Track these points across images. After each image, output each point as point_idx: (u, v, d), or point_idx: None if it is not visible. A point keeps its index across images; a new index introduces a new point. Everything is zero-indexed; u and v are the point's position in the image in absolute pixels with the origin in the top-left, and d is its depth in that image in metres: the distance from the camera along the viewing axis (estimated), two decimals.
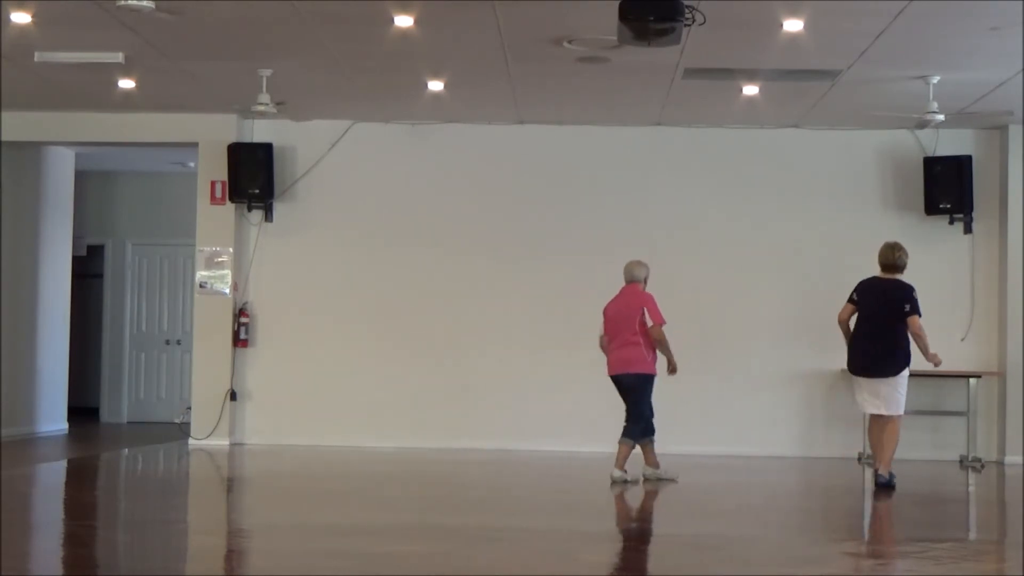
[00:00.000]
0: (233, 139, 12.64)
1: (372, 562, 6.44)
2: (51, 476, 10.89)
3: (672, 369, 10.06)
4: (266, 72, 10.79)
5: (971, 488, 10.89)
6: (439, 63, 10.56)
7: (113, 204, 16.36)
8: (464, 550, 6.85)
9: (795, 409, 12.56)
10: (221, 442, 12.57)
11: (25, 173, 13.79)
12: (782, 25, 9.18)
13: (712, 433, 12.50)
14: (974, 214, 12.45)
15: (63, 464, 12.00)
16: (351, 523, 7.98)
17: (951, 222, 12.51)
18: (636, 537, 7.83)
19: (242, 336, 12.71)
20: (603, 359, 10.24)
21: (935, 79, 10.54)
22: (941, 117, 10.80)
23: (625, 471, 9.97)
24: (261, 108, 11.06)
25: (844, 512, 9.52)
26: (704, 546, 7.18)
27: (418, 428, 12.67)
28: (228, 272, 12.73)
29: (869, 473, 10.60)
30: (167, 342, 16.29)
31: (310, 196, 12.89)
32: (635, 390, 10.02)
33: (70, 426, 14.63)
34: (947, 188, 12.32)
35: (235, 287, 12.76)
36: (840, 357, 10.41)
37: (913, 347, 9.91)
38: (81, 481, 10.87)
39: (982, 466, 11.96)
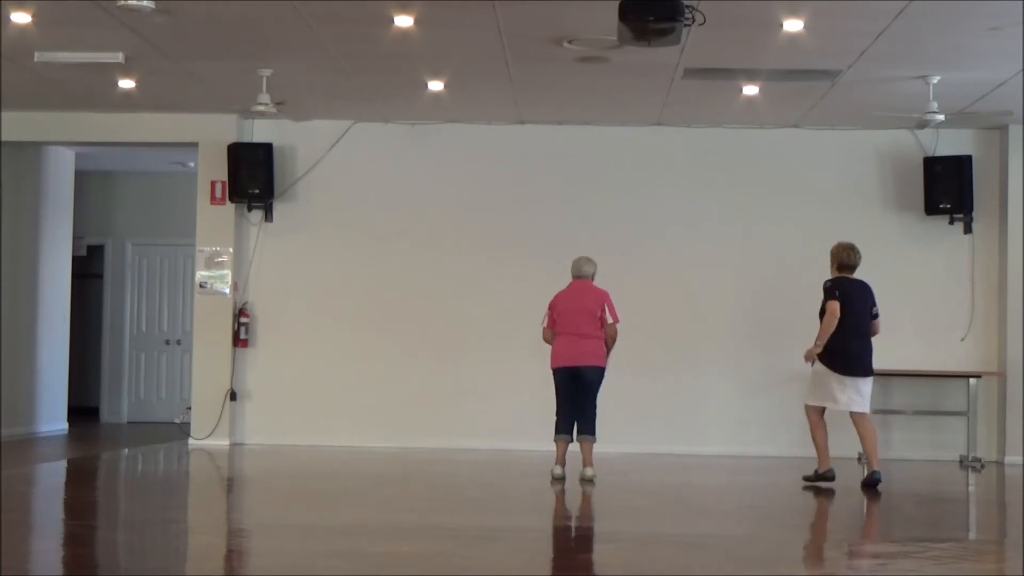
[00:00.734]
0: (233, 139, 12.64)
1: (371, 562, 6.43)
2: (51, 476, 10.89)
3: None
4: (266, 72, 10.79)
5: (971, 488, 10.89)
6: (439, 63, 10.56)
7: (113, 204, 16.36)
8: (462, 550, 6.85)
9: (795, 409, 12.53)
10: (221, 442, 12.57)
11: (25, 173, 13.79)
12: (782, 25, 9.19)
13: (712, 433, 12.53)
14: (974, 214, 12.45)
15: (63, 464, 12.00)
16: (350, 523, 7.98)
17: (951, 222, 12.51)
18: (635, 537, 7.81)
19: (242, 336, 12.71)
20: None
21: (935, 79, 10.54)
22: (941, 117, 10.79)
23: (592, 466, 10.04)
24: (261, 108, 11.07)
25: (844, 512, 9.51)
26: (704, 546, 7.18)
27: (418, 428, 12.67)
28: (228, 272, 12.73)
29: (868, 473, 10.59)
30: (167, 342, 16.29)
31: (310, 196, 12.89)
32: (595, 384, 10.12)
33: (70, 426, 14.64)
34: (947, 188, 12.33)
35: (235, 287, 12.76)
36: None
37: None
38: (81, 481, 10.86)
39: (982, 466, 11.97)
